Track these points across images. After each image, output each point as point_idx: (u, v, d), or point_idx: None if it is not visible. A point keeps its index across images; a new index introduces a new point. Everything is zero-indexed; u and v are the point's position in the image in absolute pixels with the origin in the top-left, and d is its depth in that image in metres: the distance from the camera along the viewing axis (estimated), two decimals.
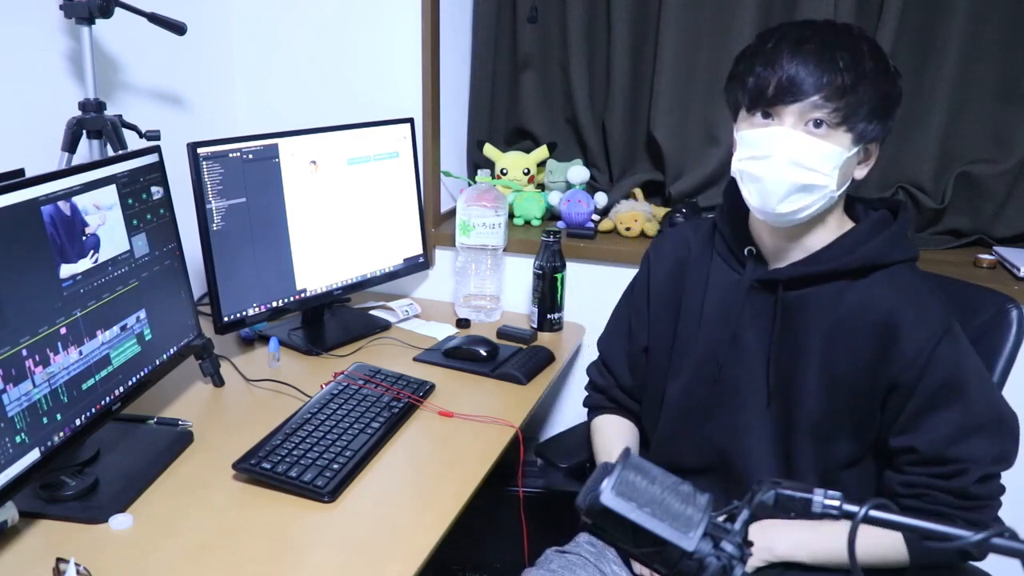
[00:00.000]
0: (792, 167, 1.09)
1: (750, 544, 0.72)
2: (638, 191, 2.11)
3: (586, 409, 1.51)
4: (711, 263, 1.30)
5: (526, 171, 2.16)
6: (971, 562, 1.17)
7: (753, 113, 1.13)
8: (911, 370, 1.10)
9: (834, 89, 1.06)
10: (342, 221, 1.84)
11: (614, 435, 1.41)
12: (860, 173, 1.16)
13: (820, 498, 0.72)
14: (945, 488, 1.11)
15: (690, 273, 1.32)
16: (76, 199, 1.19)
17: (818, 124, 1.08)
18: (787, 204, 1.11)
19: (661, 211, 2.07)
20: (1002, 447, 1.12)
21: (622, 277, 1.54)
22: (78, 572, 1.01)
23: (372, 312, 1.98)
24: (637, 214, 2.03)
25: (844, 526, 0.68)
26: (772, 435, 1.23)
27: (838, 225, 1.19)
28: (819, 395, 1.17)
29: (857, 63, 1.07)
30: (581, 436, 1.50)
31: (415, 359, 1.75)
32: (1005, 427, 1.13)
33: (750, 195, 1.14)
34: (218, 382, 1.58)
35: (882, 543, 1.11)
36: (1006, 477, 1.13)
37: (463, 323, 1.95)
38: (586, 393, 1.51)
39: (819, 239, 1.18)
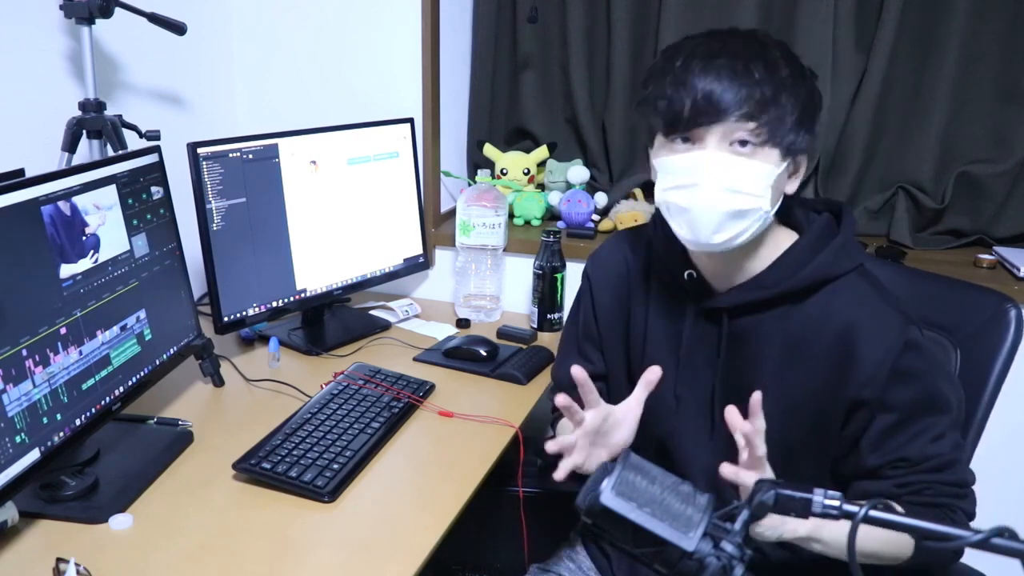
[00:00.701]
0: (723, 193, 1.01)
1: (750, 544, 0.72)
2: (638, 191, 2.11)
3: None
4: (650, 284, 1.23)
5: (526, 171, 2.16)
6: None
7: (671, 138, 1.05)
8: (873, 386, 1.05)
9: (755, 104, 0.99)
10: (342, 221, 1.84)
11: None
12: (791, 187, 1.10)
13: (820, 498, 0.72)
14: (942, 480, 1.06)
15: (632, 293, 1.25)
16: (76, 199, 1.19)
17: (743, 143, 1.01)
18: (722, 233, 1.04)
19: None
20: (959, 430, 1.10)
21: None
22: (78, 572, 1.01)
23: (372, 312, 1.98)
24: (637, 214, 2.03)
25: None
26: (714, 472, 1.13)
27: (778, 240, 1.13)
28: (777, 424, 1.05)
29: (773, 72, 1.00)
30: None
31: (415, 359, 1.75)
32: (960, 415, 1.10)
33: (680, 228, 1.07)
34: (218, 382, 1.58)
35: (891, 538, 1.03)
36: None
37: (463, 323, 1.95)
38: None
39: (761, 259, 1.11)
